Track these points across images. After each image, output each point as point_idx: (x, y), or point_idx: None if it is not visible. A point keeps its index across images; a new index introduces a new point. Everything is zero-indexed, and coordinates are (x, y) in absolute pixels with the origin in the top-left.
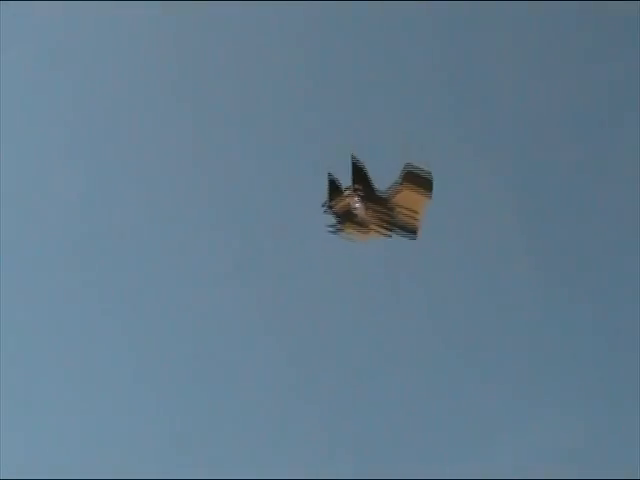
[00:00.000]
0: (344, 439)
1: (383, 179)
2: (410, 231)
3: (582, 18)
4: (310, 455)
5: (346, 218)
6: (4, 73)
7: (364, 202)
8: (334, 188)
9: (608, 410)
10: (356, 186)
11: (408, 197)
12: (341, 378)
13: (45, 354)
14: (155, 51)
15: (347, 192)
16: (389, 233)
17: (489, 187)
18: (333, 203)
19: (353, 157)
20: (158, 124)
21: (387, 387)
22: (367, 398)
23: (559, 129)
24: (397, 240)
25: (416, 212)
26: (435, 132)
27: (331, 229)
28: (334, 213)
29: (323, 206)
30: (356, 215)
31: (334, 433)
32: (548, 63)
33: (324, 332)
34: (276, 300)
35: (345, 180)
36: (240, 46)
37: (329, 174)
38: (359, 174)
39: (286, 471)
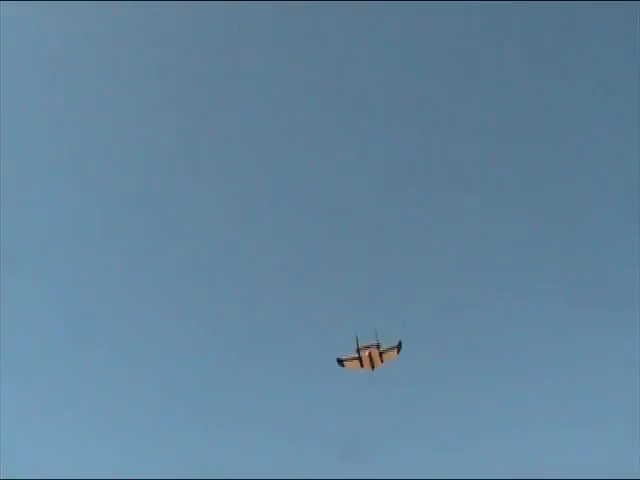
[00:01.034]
0: None
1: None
2: (372, 368)
3: None
4: None
5: (357, 356)
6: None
7: (374, 350)
8: (358, 341)
9: None
10: (377, 343)
11: (390, 354)
12: None
13: None
14: None
15: (373, 344)
16: (365, 369)
17: None
18: (362, 349)
19: (376, 330)
20: None
21: None
22: None
23: None
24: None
25: (383, 362)
26: None
27: (338, 361)
28: (359, 352)
29: (357, 350)
30: (361, 357)
31: None
32: None
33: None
34: None
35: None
36: None
37: (356, 334)
38: (376, 339)
39: None
